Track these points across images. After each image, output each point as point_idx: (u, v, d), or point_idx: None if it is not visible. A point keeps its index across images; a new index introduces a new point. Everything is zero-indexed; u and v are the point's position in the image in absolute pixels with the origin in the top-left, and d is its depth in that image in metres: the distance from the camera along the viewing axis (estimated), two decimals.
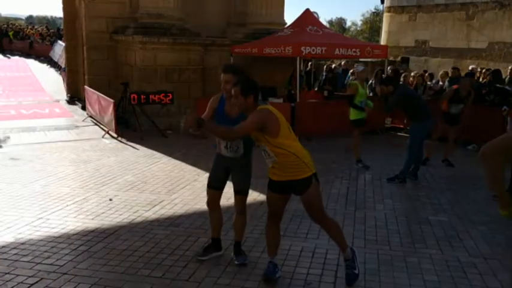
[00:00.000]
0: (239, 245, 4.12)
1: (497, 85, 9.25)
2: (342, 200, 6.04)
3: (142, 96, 10.10)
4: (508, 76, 10.52)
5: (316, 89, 12.48)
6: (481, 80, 10.69)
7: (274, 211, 3.83)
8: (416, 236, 4.82)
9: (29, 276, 3.77)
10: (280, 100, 11.02)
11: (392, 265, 4.13)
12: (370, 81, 12.97)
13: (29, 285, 3.63)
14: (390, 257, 4.30)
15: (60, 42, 22.59)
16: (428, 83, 11.72)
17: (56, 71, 22.42)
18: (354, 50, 10.61)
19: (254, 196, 6.06)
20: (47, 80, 19.17)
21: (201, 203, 5.72)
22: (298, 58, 10.14)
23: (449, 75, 10.79)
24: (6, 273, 3.81)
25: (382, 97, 7.53)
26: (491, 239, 4.78)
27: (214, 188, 4.09)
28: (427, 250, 4.47)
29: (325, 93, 11.91)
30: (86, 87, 12.04)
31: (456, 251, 4.46)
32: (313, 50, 9.95)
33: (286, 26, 12.23)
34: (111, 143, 9.36)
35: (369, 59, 15.42)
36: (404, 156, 6.97)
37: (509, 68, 9.81)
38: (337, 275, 3.91)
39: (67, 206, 5.51)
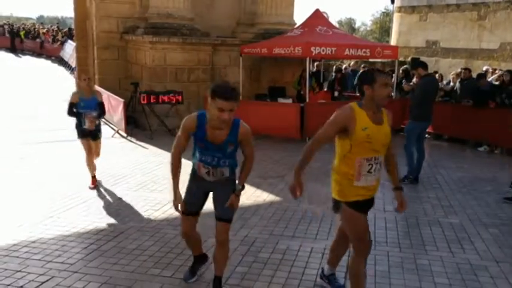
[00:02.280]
0: (219, 282, 3.48)
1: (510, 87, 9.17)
2: None
3: (152, 97, 10.15)
4: None
5: (325, 89, 12.43)
6: (494, 81, 10.57)
7: (365, 238, 3.27)
8: (426, 238, 4.78)
9: (40, 274, 3.80)
10: (290, 100, 11.00)
11: (402, 267, 4.10)
12: None
13: (40, 283, 3.66)
14: (400, 259, 4.27)
15: (70, 42, 22.76)
16: (439, 83, 11.61)
17: (67, 70, 22.60)
18: (363, 50, 10.56)
19: (263, 197, 6.07)
20: (58, 79, 19.32)
21: (209, 204, 5.72)
22: (307, 58, 10.10)
23: (461, 76, 10.69)
24: (17, 271, 3.84)
25: (407, 93, 7.44)
26: (503, 242, 4.73)
27: (192, 215, 3.50)
28: (438, 252, 4.43)
29: (336, 93, 11.86)
30: (96, 86, 12.11)
31: (467, 254, 4.42)
32: (323, 51, 9.91)
33: (296, 26, 12.21)
34: (120, 143, 9.40)
35: (379, 60, 15.37)
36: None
37: None
38: (346, 277, 3.88)
39: (77, 205, 5.54)
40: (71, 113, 6.11)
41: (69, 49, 22.41)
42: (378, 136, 3.06)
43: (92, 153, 6.27)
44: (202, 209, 3.56)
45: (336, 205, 3.27)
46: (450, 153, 9.27)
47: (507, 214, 5.56)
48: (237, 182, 3.47)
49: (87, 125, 6.06)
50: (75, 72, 16.22)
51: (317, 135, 3.22)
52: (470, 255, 4.38)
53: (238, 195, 3.42)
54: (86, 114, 6.03)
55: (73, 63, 19.30)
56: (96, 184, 6.28)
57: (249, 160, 3.43)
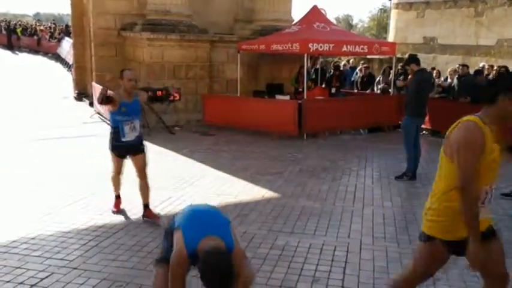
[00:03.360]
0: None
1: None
2: (349, 196, 6.04)
3: (149, 93, 10.11)
4: None
5: (323, 85, 12.44)
6: (490, 77, 10.61)
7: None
8: None
9: (40, 271, 3.80)
10: (287, 97, 11.01)
11: (401, 263, 4.12)
12: (378, 78, 12.93)
13: (39, 280, 3.67)
14: (399, 255, 4.29)
15: (67, 38, 22.69)
16: (437, 80, 11.65)
17: (64, 67, 22.55)
18: (361, 47, 10.57)
19: (262, 193, 6.09)
20: (55, 77, 19.29)
21: (208, 200, 5.73)
22: (305, 55, 10.11)
23: (459, 72, 10.72)
24: (17, 268, 3.85)
25: (402, 89, 7.45)
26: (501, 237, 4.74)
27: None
28: None
29: (333, 90, 11.88)
30: (93, 83, 12.10)
31: None
32: (321, 47, 9.92)
33: (294, 22, 12.21)
34: None
35: (376, 56, 15.38)
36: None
37: None
38: (345, 272, 3.91)
39: (75, 202, 5.55)
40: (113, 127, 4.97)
41: (66, 46, 22.35)
42: (499, 159, 2.59)
43: (122, 172, 5.17)
44: None
45: (427, 238, 2.72)
46: None
47: (503, 209, 5.59)
48: None
49: (128, 136, 4.89)
50: (73, 70, 16.19)
51: (464, 177, 2.48)
52: None
53: None
54: (127, 123, 4.86)
55: (70, 60, 19.25)
56: (119, 208, 5.27)
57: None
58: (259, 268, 3.93)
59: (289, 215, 5.28)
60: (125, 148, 4.95)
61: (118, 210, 5.24)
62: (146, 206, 5.04)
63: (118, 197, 5.31)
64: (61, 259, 4.03)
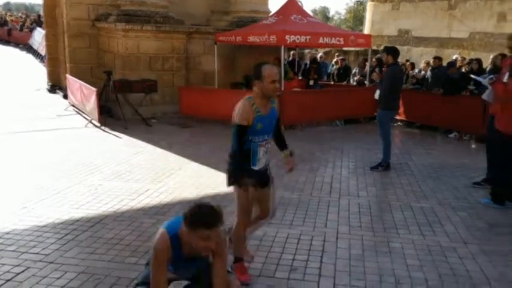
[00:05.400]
0: None
1: (472, 75, 9.42)
2: (326, 187, 6.12)
3: (125, 85, 10.01)
4: (490, 66, 10.68)
5: (300, 77, 12.50)
6: (463, 69, 10.84)
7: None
8: (399, 222, 4.93)
9: (15, 266, 3.75)
10: None
11: (376, 250, 4.22)
12: (354, 70, 13.07)
13: (15, 274, 3.62)
14: (374, 243, 4.39)
15: (39, 29, 22.12)
16: (411, 72, 11.85)
17: (36, 58, 22.00)
18: (337, 39, 10.65)
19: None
20: (27, 68, 18.80)
21: (186, 192, 5.74)
22: (282, 46, 10.13)
23: (432, 64, 10.92)
24: None
25: (378, 82, 7.53)
26: (471, 224, 4.91)
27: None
28: (410, 236, 4.57)
29: (311, 82, 11.96)
30: (67, 75, 11.85)
31: (437, 236, 4.58)
32: (298, 39, 9.95)
33: (271, 14, 12.20)
34: (94, 132, 9.26)
35: (352, 48, 15.51)
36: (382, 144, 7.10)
37: (491, 57, 9.97)
38: (322, 260, 3.98)
39: (54, 194, 5.47)
40: (240, 149, 3.43)
41: (39, 37, 21.78)
42: None
43: (251, 212, 3.68)
44: None
45: None
46: (421, 140, 9.50)
47: (475, 198, 5.76)
48: None
49: (260, 163, 3.54)
50: (45, 61, 15.81)
51: None
52: (440, 238, 4.54)
53: None
54: (262, 144, 3.51)
55: (42, 51, 18.78)
56: (249, 278, 3.64)
57: (220, 283, 2.74)
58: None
59: None
60: (254, 179, 3.52)
61: (248, 279, 3.63)
62: (241, 260, 3.70)
63: (241, 261, 3.70)
64: (37, 253, 3.98)
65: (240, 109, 3.40)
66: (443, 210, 5.33)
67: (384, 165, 7.00)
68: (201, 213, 2.55)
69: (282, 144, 3.82)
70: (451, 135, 9.74)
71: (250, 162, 3.50)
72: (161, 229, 2.71)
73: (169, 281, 2.92)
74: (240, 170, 3.44)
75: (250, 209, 3.61)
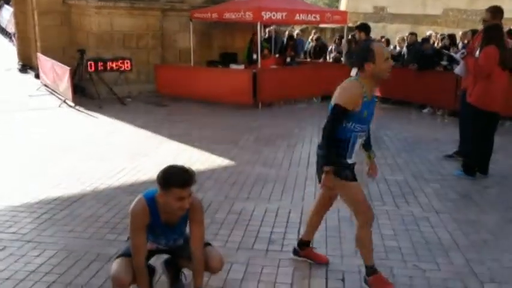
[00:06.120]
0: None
1: (444, 51, 9.58)
2: (304, 162, 6.20)
3: (99, 64, 9.82)
4: (460, 42, 10.89)
5: (277, 55, 12.47)
6: (436, 45, 11.00)
7: None
8: (374, 194, 5.05)
9: None
10: (242, 66, 10.98)
11: (351, 221, 4.31)
12: (330, 47, 13.11)
13: None
14: (349, 214, 4.48)
15: (7, 6, 21.32)
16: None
17: (5, 37, 21.28)
18: (314, 15, 10.65)
19: (218, 162, 6.15)
20: None
21: None
22: (258, 23, 10.06)
23: (407, 40, 11.03)
24: None
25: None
26: (444, 195, 5.07)
27: None
28: (384, 207, 4.70)
29: (288, 59, 11.96)
30: (38, 54, 11.54)
31: (411, 207, 4.72)
32: (274, 15, 9.91)
33: None
34: (68, 112, 9.10)
35: (328, 25, 15.52)
36: None
37: (460, 33, 10.15)
38: (300, 233, 4.06)
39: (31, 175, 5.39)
40: (331, 137, 2.99)
41: (7, 14, 21.01)
42: None
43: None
44: None
45: None
46: (396, 115, 9.67)
47: (447, 170, 5.93)
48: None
49: (353, 156, 3.11)
50: (15, 40, 15.31)
51: None
52: (414, 208, 4.68)
53: None
54: (361, 135, 3.12)
55: (11, 29, 18.17)
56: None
57: (199, 255, 2.79)
58: (217, 232, 4.02)
59: (245, 181, 5.38)
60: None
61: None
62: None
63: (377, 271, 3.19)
64: (13, 233, 3.94)
65: (348, 90, 2.97)
66: (416, 182, 5.48)
67: None
68: (173, 173, 2.59)
69: (368, 141, 3.33)
70: (425, 110, 9.94)
71: (347, 154, 3.05)
72: (138, 196, 2.75)
73: (150, 254, 2.96)
74: (340, 161, 3.02)
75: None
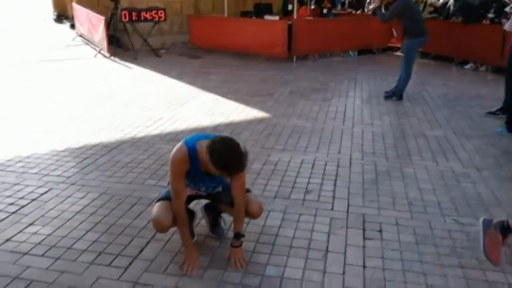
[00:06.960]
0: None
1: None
2: (340, 116, 6.11)
3: (133, 14, 9.76)
4: None
5: (313, 6, 12.07)
6: None
7: None
8: (412, 149, 4.96)
9: (39, 187, 3.87)
10: (277, 18, 10.71)
11: (389, 175, 4.28)
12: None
13: (39, 195, 3.74)
14: (387, 168, 4.44)
15: None
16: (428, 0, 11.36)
17: None
18: None
19: (253, 113, 6.14)
20: None
21: (200, 120, 5.77)
22: None
23: None
24: (15, 184, 3.91)
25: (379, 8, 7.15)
26: (484, 152, 4.93)
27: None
28: (423, 162, 4.61)
29: (324, 10, 11.57)
30: (73, 4, 11.56)
31: (450, 163, 4.61)
32: None
33: None
34: (104, 63, 9.18)
35: None
36: (400, 74, 6.96)
37: None
38: (336, 184, 4.06)
39: (75, 120, 5.53)
40: None
41: None
42: None
43: None
44: None
45: None
46: (436, 71, 9.32)
47: (489, 127, 5.74)
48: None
49: None
50: None
51: None
52: (453, 164, 4.57)
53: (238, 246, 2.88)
54: None
55: None
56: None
57: (240, 201, 2.81)
58: (254, 182, 4.05)
59: (280, 133, 5.36)
60: None
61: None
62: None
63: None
64: (58, 175, 4.09)
65: None
66: (456, 138, 5.33)
67: (398, 95, 6.93)
68: (233, 158, 2.45)
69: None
70: (467, 66, 9.53)
71: None
72: (179, 143, 2.73)
73: (190, 199, 3.02)
74: None
75: None
